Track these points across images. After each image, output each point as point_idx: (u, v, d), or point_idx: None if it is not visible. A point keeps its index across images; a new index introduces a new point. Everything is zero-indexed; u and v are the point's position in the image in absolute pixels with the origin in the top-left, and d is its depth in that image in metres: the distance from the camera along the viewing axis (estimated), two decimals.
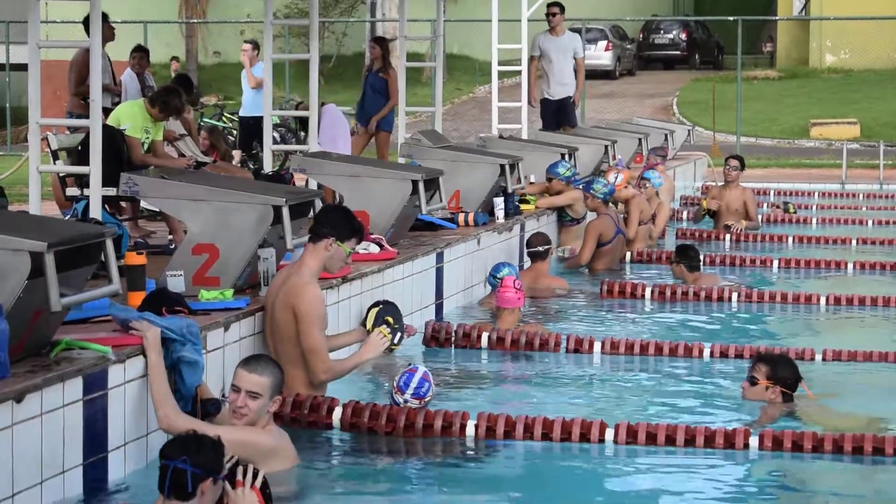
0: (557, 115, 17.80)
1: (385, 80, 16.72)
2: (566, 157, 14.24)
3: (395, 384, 7.34)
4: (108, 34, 11.77)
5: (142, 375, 6.35)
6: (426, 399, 7.32)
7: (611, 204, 13.37)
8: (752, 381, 7.84)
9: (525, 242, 11.98)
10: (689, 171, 21.17)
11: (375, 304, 8.61)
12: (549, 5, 17.67)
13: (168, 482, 5.24)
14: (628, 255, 13.45)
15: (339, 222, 7.46)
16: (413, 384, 7.29)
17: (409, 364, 7.54)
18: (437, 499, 6.49)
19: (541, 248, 11.55)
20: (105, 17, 12.06)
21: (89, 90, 8.88)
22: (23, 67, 16.49)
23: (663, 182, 14.91)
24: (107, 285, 6.18)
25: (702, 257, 13.00)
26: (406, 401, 7.27)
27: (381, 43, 17.34)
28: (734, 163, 15.87)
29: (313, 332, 7.27)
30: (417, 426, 7.11)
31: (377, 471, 6.77)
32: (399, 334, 8.02)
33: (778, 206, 17.81)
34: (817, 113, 33.26)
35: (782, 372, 7.82)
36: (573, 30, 26.83)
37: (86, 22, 10.42)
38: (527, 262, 11.94)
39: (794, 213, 17.59)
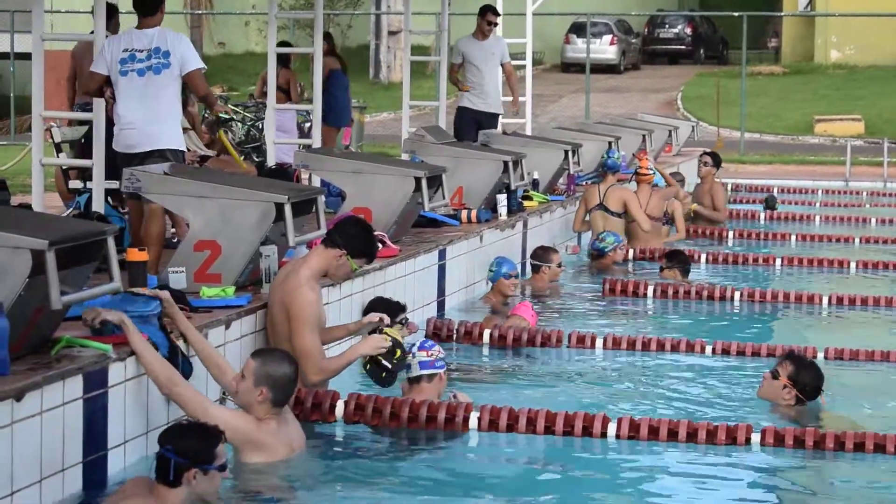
0: (477, 127, 15.08)
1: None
2: (570, 153, 14.17)
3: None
4: (114, 29, 11.70)
5: (143, 373, 6.35)
6: (433, 351, 7.38)
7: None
8: (775, 375, 7.81)
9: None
10: (693, 168, 21.10)
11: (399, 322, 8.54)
12: (489, 11, 16.05)
13: (154, 467, 5.50)
14: (631, 252, 13.41)
15: (356, 239, 7.47)
16: (418, 344, 7.44)
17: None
18: (439, 490, 6.49)
19: (532, 262, 11.68)
20: (115, 9, 11.98)
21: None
22: (27, 56, 16.47)
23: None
24: (108, 282, 6.17)
25: (704, 256, 13.11)
26: (414, 355, 7.36)
27: (328, 38, 17.42)
28: (706, 159, 16.18)
29: (304, 335, 7.24)
30: (421, 418, 7.12)
31: (379, 463, 6.77)
32: (390, 355, 7.63)
33: (769, 207, 17.73)
34: (822, 109, 33.23)
35: (804, 377, 7.78)
36: (577, 23, 26.76)
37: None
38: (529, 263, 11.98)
39: (775, 209, 17.53)
